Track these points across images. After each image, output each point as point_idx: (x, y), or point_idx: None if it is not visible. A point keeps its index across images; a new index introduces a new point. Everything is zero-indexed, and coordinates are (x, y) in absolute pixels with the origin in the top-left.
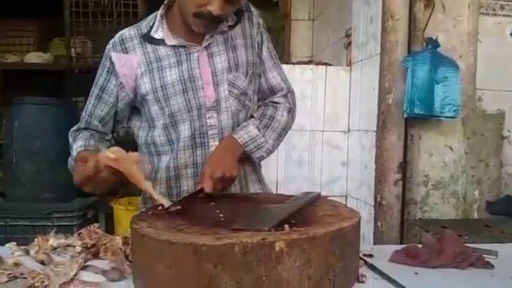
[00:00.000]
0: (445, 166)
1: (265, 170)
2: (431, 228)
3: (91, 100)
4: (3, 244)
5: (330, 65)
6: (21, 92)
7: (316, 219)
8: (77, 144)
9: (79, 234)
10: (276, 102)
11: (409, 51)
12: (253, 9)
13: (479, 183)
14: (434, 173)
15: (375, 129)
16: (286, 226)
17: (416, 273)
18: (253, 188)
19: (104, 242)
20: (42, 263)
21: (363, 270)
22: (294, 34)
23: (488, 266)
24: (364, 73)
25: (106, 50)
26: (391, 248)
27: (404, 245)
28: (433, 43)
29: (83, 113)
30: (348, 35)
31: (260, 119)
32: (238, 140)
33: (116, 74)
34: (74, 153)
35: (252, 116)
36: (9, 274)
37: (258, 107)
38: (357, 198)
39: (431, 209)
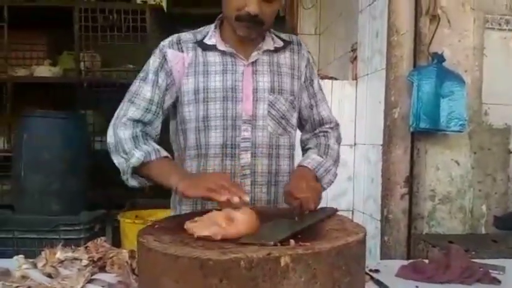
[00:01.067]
0: (451, 180)
1: None
2: (438, 243)
3: (139, 92)
4: (10, 257)
5: (336, 79)
6: (30, 105)
7: (322, 234)
8: (156, 147)
9: (86, 247)
10: (326, 131)
11: (414, 66)
12: (303, 44)
13: (487, 198)
14: (441, 187)
15: (381, 143)
16: (292, 241)
17: None
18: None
19: (111, 255)
20: (49, 276)
21: (369, 285)
22: None
23: (495, 281)
24: (370, 87)
25: (160, 46)
26: (397, 263)
27: (411, 260)
28: (439, 57)
29: (137, 101)
30: (353, 50)
31: (317, 147)
32: (308, 166)
33: (169, 70)
34: (142, 155)
35: (304, 148)
36: (17, 287)
37: (308, 138)
38: (363, 213)
39: (438, 224)
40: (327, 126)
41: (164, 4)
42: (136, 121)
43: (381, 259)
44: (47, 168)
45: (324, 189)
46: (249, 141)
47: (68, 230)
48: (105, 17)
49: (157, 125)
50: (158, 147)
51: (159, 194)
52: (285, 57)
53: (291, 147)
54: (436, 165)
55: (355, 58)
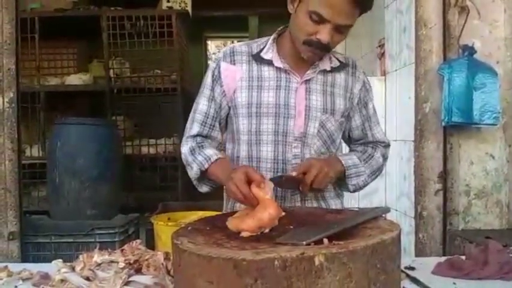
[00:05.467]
0: (486, 175)
1: None
2: (474, 239)
3: (197, 108)
4: (49, 261)
5: None
6: (62, 113)
7: (356, 232)
8: (208, 154)
9: (122, 250)
10: (376, 145)
11: (444, 59)
12: (359, 66)
13: None
14: (476, 182)
15: (413, 139)
16: (325, 240)
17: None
18: (334, 203)
19: (146, 257)
20: (87, 279)
21: (405, 283)
22: None
23: None
24: (399, 83)
25: (215, 58)
26: (433, 260)
27: (447, 257)
28: (469, 50)
29: (196, 117)
30: (381, 45)
31: (362, 152)
32: (342, 161)
33: (220, 82)
34: (204, 161)
35: (351, 150)
36: None
37: (357, 146)
38: (396, 210)
39: (474, 219)
40: (379, 143)
41: (189, 8)
42: (195, 136)
43: (416, 256)
44: (80, 174)
45: (349, 190)
46: (298, 157)
47: (102, 234)
48: (132, 24)
49: (216, 135)
50: (210, 153)
51: (190, 197)
52: (340, 78)
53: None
54: (470, 160)
55: (383, 54)
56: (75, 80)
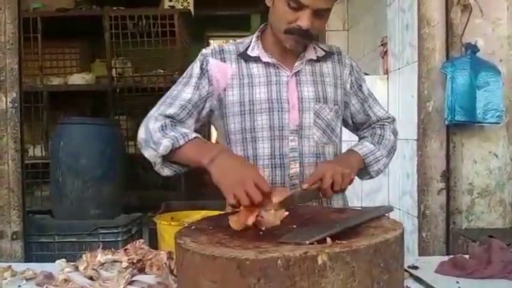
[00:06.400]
0: (490, 173)
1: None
2: (478, 238)
3: (178, 94)
4: (52, 260)
5: (366, 74)
6: (65, 113)
7: (359, 232)
8: (183, 131)
9: (125, 250)
10: (383, 124)
11: (447, 58)
12: (344, 53)
13: None
14: (479, 180)
15: (416, 137)
16: (329, 239)
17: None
18: (335, 198)
19: (149, 257)
20: (91, 278)
21: (408, 282)
22: None
23: None
24: (402, 81)
25: (202, 53)
26: (436, 259)
27: (451, 256)
28: (472, 48)
29: (176, 102)
30: (383, 44)
31: (372, 137)
32: (359, 151)
33: (209, 78)
34: (179, 139)
35: (360, 138)
36: None
37: (364, 132)
38: (399, 209)
39: (478, 218)
40: (384, 121)
41: (191, 8)
42: (168, 116)
43: (419, 255)
44: (83, 174)
45: (372, 177)
46: (296, 151)
47: (106, 233)
48: (134, 23)
49: (190, 125)
50: (186, 130)
51: (193, 196)
52: (327, 67)
53: (336, 156)
54: (473, 159)
55: (386, 52)
56: (78, 79)
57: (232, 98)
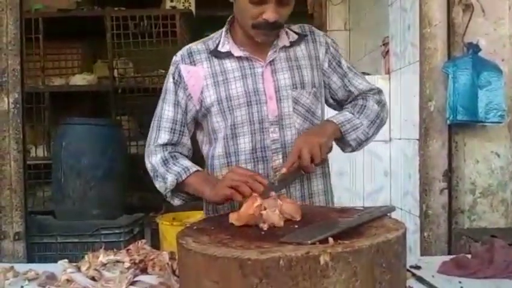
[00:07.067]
0: (492, 173)
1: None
2: (480, 238)
3: (163, 114)
4: (55, 261)
5: (368, 74)
6: (67, 113)
7: (361, 231)
8: (184, 165)
9: (127, 250)
10: (366, 95)
11: (449, 57)
12: (317, 31)
13: None
14: (481, 180)
15: (417, 137)
16: (331, 239)
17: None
18: (318, 199)
19: (152, 257)
20: (93, 279)
21: (411, 282)
22: None
23: None
24: (404, 81)
25: (173, 62)
26: (439, 259)
27: (453, 256)
28: (474, 48)
29: (162, 124)
30: (385, 44)
31: (352, 107)
32: (334, 120)
33: (184, 85)
34: (181, 173)
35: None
36: None
37: (347, 105)
38: (401, 209)
39: (480, 218)
40: (368, 92)
41: (193, 8)
42: (164, 145)
43: (421, 255)
44: (86, 174)
45: (353, 148)
46: (278, 142)
47: (108, 234)
48: (136, 24)
49: (186, 141)
50: (187, 164)
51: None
52: (301, 50)
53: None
54: (475, 158)
55: (387, 52)
56: (80, 80)
57: (210, 98)
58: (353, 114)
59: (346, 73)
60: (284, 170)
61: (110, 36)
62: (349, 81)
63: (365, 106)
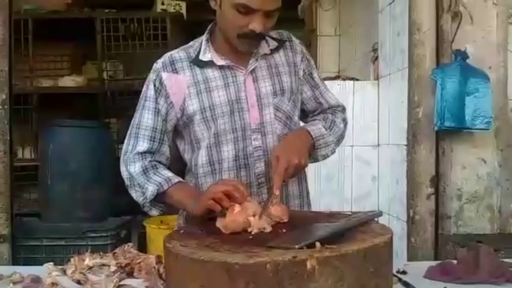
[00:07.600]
0: (478, 179)
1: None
2: (466, 244)
3: (142, 122)
4: (40, 264)
5: (357, 79)
6: (56, 115)
7: (348, 236)
8: (166, 175)
9: (114, 253)
10: (334, 111)
11: (437, 64)
12: (294, 38)
13: None
14: (468, 186)
15: (405, 143)
16: (318, 244)
17: None
18: (294, 202)
19: (138, 261)
20: (78, 282)
21: (397, 287)
22: (321, 50)
23: None
24: (392, 87)
25: (154, 69)
26: (425, 265)
27: (439, 261)
28: (462, 55)
29: (141, 132)
30: (374, 49)
31: (324, 120)
32: (311, 133)
33: (165, 94)
34: (163, 184)
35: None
36: None
37: (315, 115)
38: (388, 214)
39: (466, 224)
40: (335, 108)
41: (184, 11)
42: (144, 153)
43: (408, 261)
44: (73, 177)
45: (317, 161)
46: (260, 149)
47: (94, 237)
48: (126, 26)
49: (165, 150)
50: (169, 175)
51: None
52: (280, 57)
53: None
54: (462, 164)
55: (376, 58)
56: (69, 81)
57: (193, 107)
58: (326, 129)
59: (317, 85)
60: (277, 193)
61: (100, 38)
62: (320, 93)
63: (334, 122)
